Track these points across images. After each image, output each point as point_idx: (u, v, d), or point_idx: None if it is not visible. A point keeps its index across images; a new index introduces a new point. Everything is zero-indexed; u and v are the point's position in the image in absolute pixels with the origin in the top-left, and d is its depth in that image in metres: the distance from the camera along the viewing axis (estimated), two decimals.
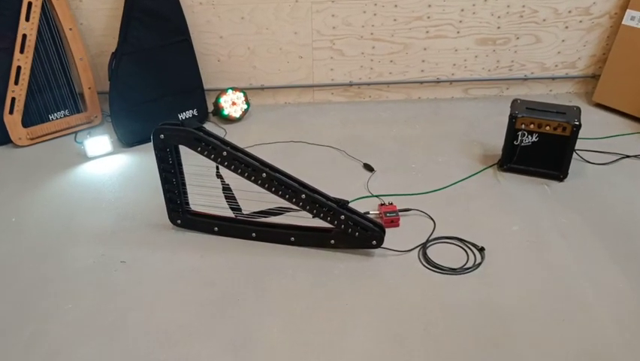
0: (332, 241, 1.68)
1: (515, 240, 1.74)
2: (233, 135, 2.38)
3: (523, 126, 1.96)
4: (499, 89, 2.66)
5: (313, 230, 1.70)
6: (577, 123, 1.91)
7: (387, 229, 1.73)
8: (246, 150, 1.64)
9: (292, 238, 1.71)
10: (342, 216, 1.63)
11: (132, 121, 2.28)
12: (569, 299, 1.52)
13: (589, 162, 2.12)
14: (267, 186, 1.63)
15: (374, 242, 1.65)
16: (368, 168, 2.12)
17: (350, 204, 1.66)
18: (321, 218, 1.64)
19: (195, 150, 1.62)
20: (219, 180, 1.70)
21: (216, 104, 2.44)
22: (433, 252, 1.69)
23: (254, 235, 1.74)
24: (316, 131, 2.42)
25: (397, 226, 1.80)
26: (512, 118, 1.96)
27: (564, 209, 1.87)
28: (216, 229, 1.76)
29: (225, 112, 2.45)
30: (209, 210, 1.77)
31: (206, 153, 1.62)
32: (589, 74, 2.62)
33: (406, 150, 2.25)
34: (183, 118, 2.41)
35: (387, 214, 1.79)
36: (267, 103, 2.65)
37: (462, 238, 1.74)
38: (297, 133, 2.39)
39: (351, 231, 1.64)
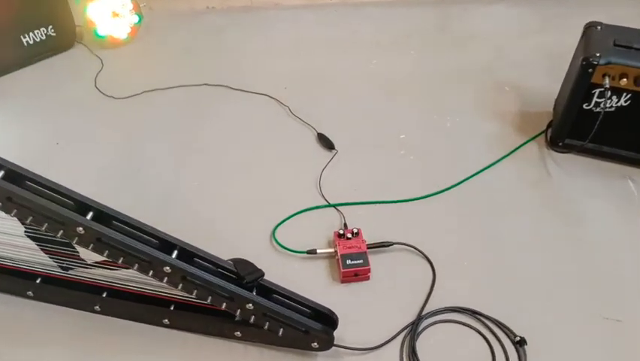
0: (237, 333, 0.88)
1: (583, 314, 0.94)
2: (113, 70, 1.47)
3: (606, 80, 1.06)
4: None
5: (204, 310, 0.89)
6: None
7: (350, 286, 0.95)
8: (47, 180, 0.78)
9: (165, 320, 0.91)
10: (250, 305, 0.81)
11: None
12: None
13: None
14: (92, 247, 0.79)
15: (315, 344, 0.85)
16: (325, 142, 1.25)
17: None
18: (209, 304, 0.83)
19: None
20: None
21: (85, 18, 1.50)
22: (427, 344, 0.90)
23: (97, 307, 0.93)
24: (250, 62, 1.51)
25: (367, 279, 0.99)
26: (588, 66, 1.06)
27: None
28: (31, 293, 0.95)
29: (101, 31, 1.51)
30: (22, 265, 0.95)
31: None
32: None
33: (391, 103, 1.36)
34: (29, 42, 1.47)
35: (348, 262, 0.97)
36: (177, 9, 1.70)
37: (482, 311, 0.94)
38: (218, 66, 1.49)
39: (270, 326, 0.84)
